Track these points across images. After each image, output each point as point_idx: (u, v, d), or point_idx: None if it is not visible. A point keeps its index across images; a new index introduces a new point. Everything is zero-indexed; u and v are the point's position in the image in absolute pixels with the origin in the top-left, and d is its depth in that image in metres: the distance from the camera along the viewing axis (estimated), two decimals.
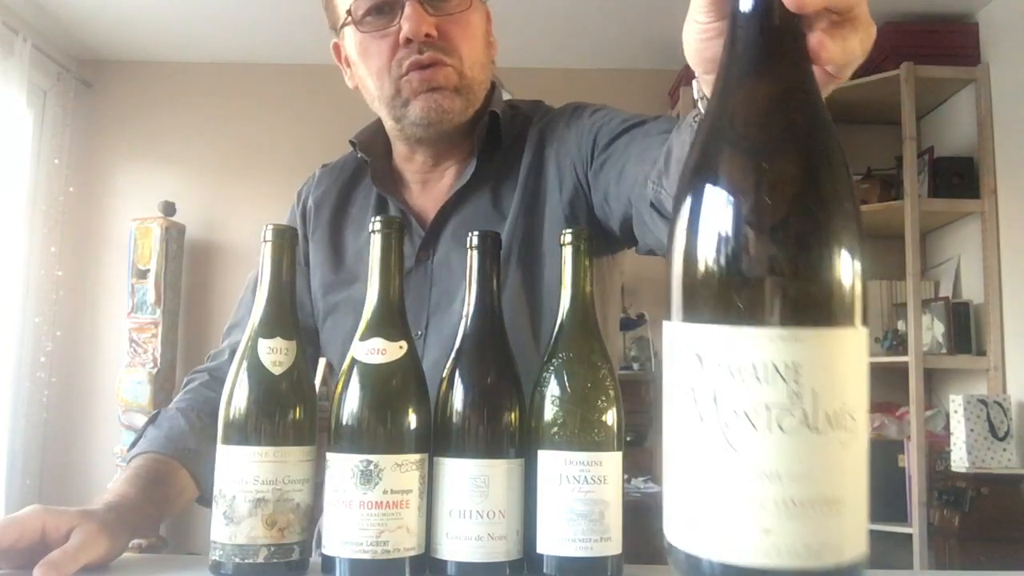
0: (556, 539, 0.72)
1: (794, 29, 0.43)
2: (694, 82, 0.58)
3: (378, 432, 0.72)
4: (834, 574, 0.38)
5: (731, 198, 0.39)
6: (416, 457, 0.72)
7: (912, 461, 2.90)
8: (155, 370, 3.38)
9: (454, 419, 0.74)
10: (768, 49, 0.42)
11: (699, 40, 0.53)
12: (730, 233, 0.39)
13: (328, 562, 0.71)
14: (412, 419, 0.73)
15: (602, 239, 1.00)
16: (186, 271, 3.63)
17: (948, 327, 2.97)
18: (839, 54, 0.44)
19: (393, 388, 0.74)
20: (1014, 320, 2.87)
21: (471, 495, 0.72)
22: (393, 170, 1.12)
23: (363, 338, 0.75)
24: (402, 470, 0.71)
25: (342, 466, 0.71)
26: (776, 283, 0.38)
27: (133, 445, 0.96)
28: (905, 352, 2.99)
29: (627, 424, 0.78)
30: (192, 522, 3.26)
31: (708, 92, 0.53)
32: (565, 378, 0.75)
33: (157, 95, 3.78)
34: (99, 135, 3.74)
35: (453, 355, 0.78)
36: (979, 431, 2.71)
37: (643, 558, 1.09)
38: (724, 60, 0.44)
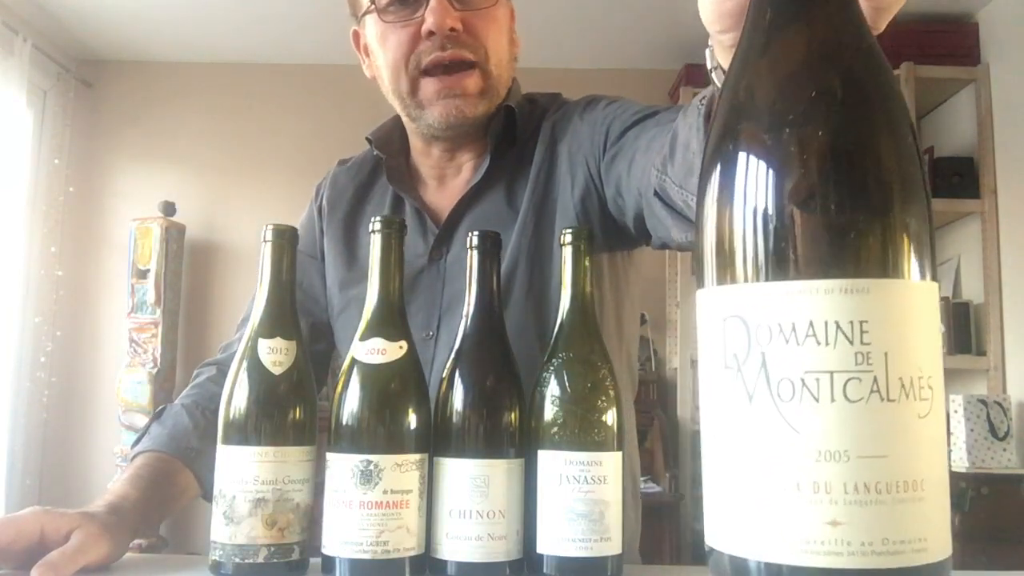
0: (556, 539, 0.72)
1: None
2: (707, 50, 0.55)
3: (378, 432, 0.72)
4: (913, 574, 0.30)
5: (783, 138, 0.33)
6: (416, 457, 0.72)
7: None
8: (155, 370, 3.38)
9: (454, 419, 0.74)
10: None
11: None
12: (786, 174, 0.32)
13: (328, 562, 0.71)
14: (412, 419, 0.73)
15: (617, 236, 0.98)
16: (186, 271, 3.63)
17: (948, 327, 2.98)
18: None
19: (393, 388, 0.74)
20: (1014, 320, 2.87)
21: (471, 495, 0.72)
22: (410, 167, 1.10)
23: (363, 338, 0.75)
24: (402, 470, 0.71)
25: (342, 466, 0.71)
26: (837, 228, 0.32)
27: (137, 442, 0.96)
28: None
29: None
30: (192, 522, 3.26)
31: (724, 59, 0.48)
32: (565, 378, 0.75)
33: (157, 95, 3.78)
34: (99, 135, 3.74)
35: (453, 355, 0.78)
36: (979, 431, 2.71)
37: (644, 557, 1.09)
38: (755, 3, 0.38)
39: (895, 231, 0.32)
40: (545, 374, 0.76)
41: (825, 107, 0.33)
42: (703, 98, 0.64)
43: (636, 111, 0.93)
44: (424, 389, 0.76)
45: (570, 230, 0.79)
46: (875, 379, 0.30)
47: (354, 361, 0.75)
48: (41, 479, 3.50)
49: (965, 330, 3.00)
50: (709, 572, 0.36)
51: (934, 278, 0.33)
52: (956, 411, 2.76)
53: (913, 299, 0.31)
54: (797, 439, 0.31)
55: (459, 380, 0.76)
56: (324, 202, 1.14)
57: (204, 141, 3.74)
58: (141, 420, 3.33)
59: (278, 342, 0.76)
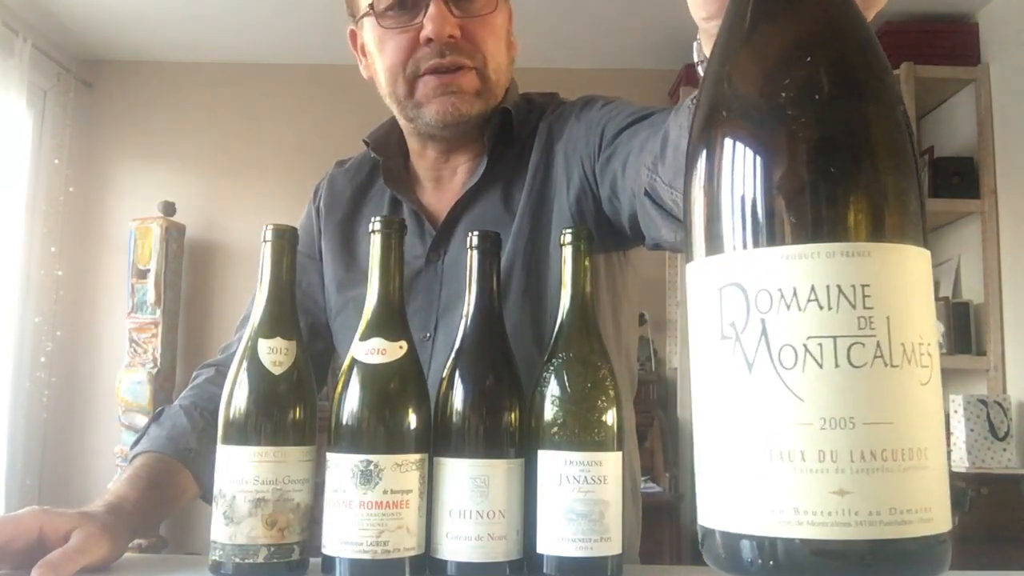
0: (556, 539, 0.72)
1: None
2: (695, 43, 0.54)
3: (378, 432, 0.72)
4: (924, 549, 0.29)
5: (779, 104, 0.32)
6: (416, 457, 0.72)
7: None
8: (155, 370, 3.38)
9: (454, 419, 0.74)
10: None
11: None
12: (782, 139, 0.32)
13: (328, 562, 0.71)
14: (412, 419, 0.73)
15: (613, 236, 0.98)
16: (186, 271, 3.63)
17: (948, 327, 2.97)
18: None
19: (393, 388, 0.74)
20: (1014, 320, 2.87)
21: (471, 495, 0.72)
22: (407, 169, 1.10)
23: (363, 338, 0.75)
24: (402, 470, 0.71)
25: (342, 466, 0.71)
26: (837, 192, 0.31)
27: (136, 443, 0.96)
28: None
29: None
30: (192, 522, 3.26)
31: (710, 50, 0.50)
32: (565, 378, 0.75)
33: (157, 95, 3.78)
34: (99, 135, 3.74)
35: (453, 355, 0.78)
36: (979, 431, 2.71)
37: (644, 557, 1.09)
38: None
39: (893, 197, 0.32)
40: (545, 374, 0.76)
41: (820, 73, 0.33)
42: (694, 98, 0.64)
43: (631, 112, 0.93)
44: (424, 389, 0.76)
45: (570, 230, 0.79)
46: (878, 344, 0.29)
47: (354, 361, 0.75)
48: (41, 479, 3.50)
49: (965, 330, 3.00)
50: (705, 556, 0.35)
51: (926, 246, 0.33)
52: (956, 411, 2.76)
53: (912, 264, 0.31)
54: (801, 407, 0.29)
55: (459, 380, 0.76)
56: (322, 203, 1.14)
57: (204, 141, 3.74)
58: (141, 420, 3.33)
59: (278, 342, 0.76)
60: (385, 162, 1.07)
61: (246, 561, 0.71)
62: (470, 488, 0.72)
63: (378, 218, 0.78)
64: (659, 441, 3.24)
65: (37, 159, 3.52)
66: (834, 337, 0.29)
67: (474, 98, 0.97)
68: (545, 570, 0.72)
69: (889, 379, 0.29)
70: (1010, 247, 2.91)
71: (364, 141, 1.10)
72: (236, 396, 0.74)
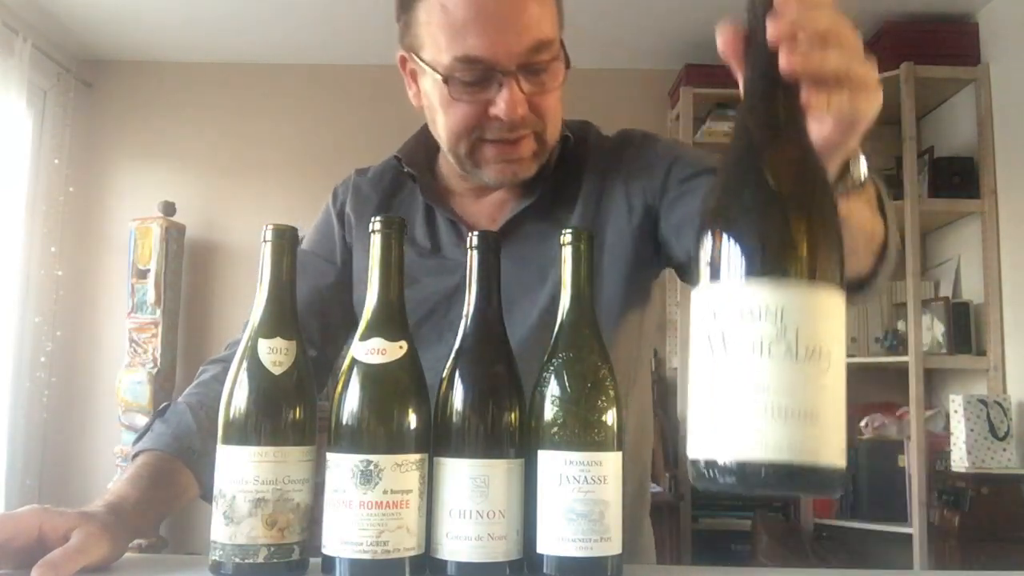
0: (556, 539, 0.72)
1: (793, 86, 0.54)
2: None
3: (378, 432, 0.72)
4: (809, 471, 0.48)
5: (737, 196, 0.53)
6: (416, 457, 0.72)
7: (912, 461, 2.90)
8: (155, 370, 3.38)
9: (454, 419, 0.74)
10: (771, 93, 0.55)
11: None
12: (738, 218, 0.52)
13: (328, 562, 0.71)
14: (412, 419, 0.73)
15: (660, 262, 1.04)
16: (186, 271, 3.63)
17: (948, 327, 2.97)
18: (825, 106, 0.53)
19: (393, 388, 0.74)
20: (1014, 320, 2.87)
21: (471, 495, 0.72)
22: (438, 180, 1.11)
23: (363, 338, 0.75)
24: (402, 470, 0.71)
25: (342, 466, 0.71)
26: (769, 248, 0.50)
27: (139, 438, 0.95)
28: (905, 352, 2.99)
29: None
30: (192, 522, 3.26)
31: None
32: (565, 378, 0.75)
33: (157, 95, 3.78)
34: (99, 135, 3.74)
35: (453, 355, 0.78)
36: (979, 431, 2.71)
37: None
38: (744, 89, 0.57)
39: (809, 250, 0.50)
40: (545, 374, 0.76)
41: (772, 165, 0.52)
42: None
43: (699, 157, 1.00)
44: (424, 389, 0.76)
45: (570, 231, 0.79)
46: (788, 344, 0.48)
47: (354, 361, 0.75)
48: (41, 479, 3.50)
49: (965, 330, 3.00)
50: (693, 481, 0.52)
51: (841, 286, 0.51)
52: (956, 411, 2.76)
53: (817, 297, 0.50)
54: (742, 377, 0.49)
55: (459, 380, 0.76)
56: (349, 209, 1.13)
57: (204, 141, 3.74)
58: (141, 420, 3.33)
59: (278, 342, 0.76)
60: (420, 178, 1.08)
61: (246, 561, 0.71)
62: (470, 488, 0.72)
63: (378, 218, 0.78)
64: (659, 441, 3.23)
65: (37, 159, 3.52)
66: (762, 338, 0.48)
67: (531, 161, 0.99)
68: (545, 570, 0.72)
69: (794, 367, 0.48)
70: (1010, 247, 2.91)
71: (395, 157, 1.11)
72: (236, 396, 0.74)
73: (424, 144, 1.11)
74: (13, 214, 3.30)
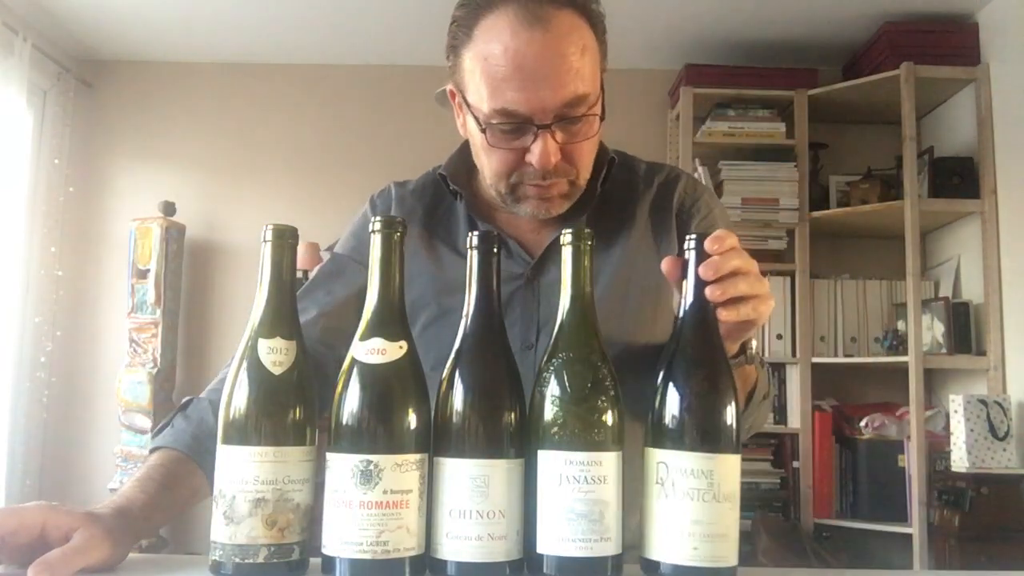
0: (556, 539, 0.72)
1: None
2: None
3: (378, 432, 0.72)
4: (726, 572, 0.73)
5: (678, 381, 0.77)
6: (416, 457, 0.72)
7: (912, 461, 2.90)
8: (155, 370, 3.38)
9: (454, 419, 0.74)
10: (699, 309, 0.80)
11: None
12: (678, 398, 0.76)
13: (328, 562, 0.71)
14: (412, 419, 0.73)
15: None
16: (186, 271, 3.63)
17: (948, 327, 2.97)
18: (735, 316, 0.79)
19: (393, 388, 0.74)
20: (1014, 320, 2.87)
21: (471, 495, 0.72)
22: (479, 197, 1.14)
23: (363, 338, 0.75)
24: (402, 470, 0.71)
25: (342, 466, 0.71)
26: (700, 428, 0.75)
27: (159, 431, 0.95)
28: (905, 352, 2.99)
29: None
30: (192, 522, 3.26)
31: None
32: (565, 378, 0.75)
33: (157, 95, 3.77)
34: (99, 135, 3.74)
35: (453, 355, 0.78)
36: (979, 431, 2.71)
37: None
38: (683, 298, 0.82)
39: (726, 432, 0.76)
40: (545, 374, 0.76)
41: (699, 365, 0.78)
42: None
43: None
44: (424, 389, 0.76)
45: (570, 230, 0.79)
46: (714, 492, 0.73)
47: (354, 361, 0.75)
48: (41, 479, 3.50)
49: (965, 330, 3.00)
50: None
51: (738, 451, 0.76)
52: (956, 411, 2.76)
53: (731, 462, 0.74)
54: (683, 512, 0.73)
55: (459, 380, 0.76)
56: None
57: (204, 141, 3.74)
58: (141, 420, 3.33)
59: (278, 342, 0.76)
60: (465, 196, 1.12)
61: (246, 561, 0.71)
62: (470, 488, 0.72)
63: (378, 218, 0.78)
64: None
65: (37, 159, 3.52)
66: (698, 488, 0.73)
67: (563, 201, 1.04)
68: (545, 570, 0.72)
69: (717, 506, 0.73)
70: (1010, 247, 2.91)
71: (440, 175, 1.14)
72: (236, 396, 0.74)
73: (465, 162, 1.14)
74: (13, 214, 3.30)
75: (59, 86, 3.58)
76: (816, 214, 3.25)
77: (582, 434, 0.73)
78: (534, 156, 0.97)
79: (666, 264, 0.83)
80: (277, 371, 0.75)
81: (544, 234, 1.09)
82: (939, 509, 2.70)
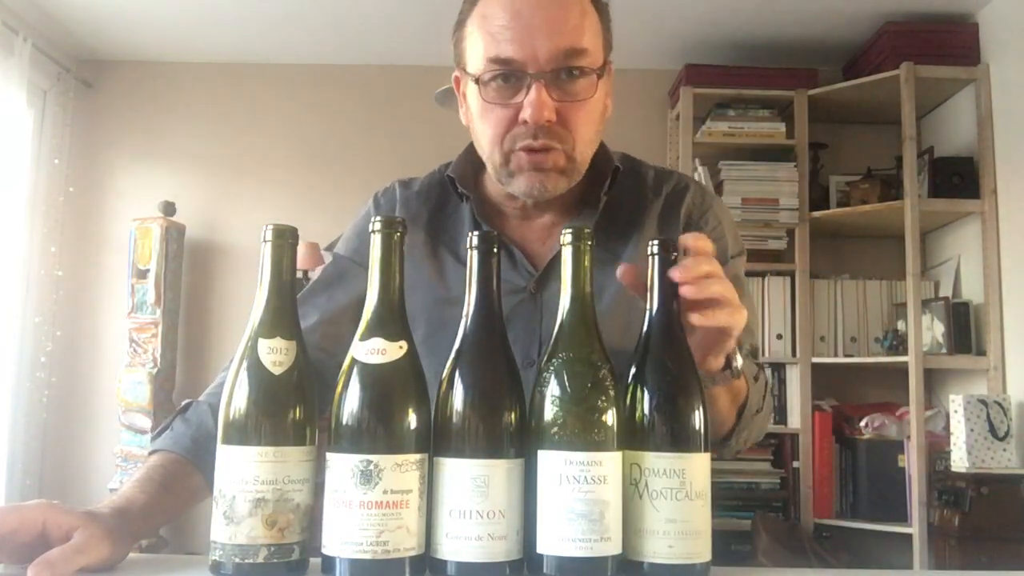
0: (556, 539, 0.72)
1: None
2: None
3: (378, 432, 0.72)
4: (700, 568, 0.74)
5: (647, 384, 0.78)
6: (416, 457, 0.72)
7: (912, 461, 2.90)
8: (155, 370, 3.38)
9: (454, 419, 0.74)
10: (665, 312, 0.80)
11: None
12: (654, 402, 0.77)
13: (328, 562, 0.71)
14: (412, 419, 0.73)
15: None
16: (186, 271, 3.63)
17: (948, 327, 2.97)
18: (710, 320, 0.78)
19: (393, 388, 0.74)
20: (1014, 320, 2.87)
21: (471, 495, 0.72)
22: (486, 201, 1.13)
23: (363, 338, 0.75)
24: (402, 470, 0.71)
25: (342, 466, 0.71)
26: (669, 429, 0.76)
27: (158, 435, 0.95)
28: (905, 352, 2.99)
29: None
30: (192, 522, 3.26)
31: None
32: (565, 378, 0.75)
33: (157, 95, 3.77)
34: (99, 135, 3.74)
35: (453, 355, 0.78)
36: (979, 431, 2.71)
37: None
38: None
39: (695, 430, 0.77)
40: (545, 374, 0.76)
41: (669, 367, 0.79)
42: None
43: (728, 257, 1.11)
44: (424, 389, 0.76)
45: (570, 230, 0.79)
46: (686, 490, 0.74)
47: (354, 361, 0.75)
48: (41, 479, 3.50)
49: (965, 330, 3.00)
50: None
51: (707, 450, 0.77)
52: (956, 411, 2.76)
53: (702, 461, 0.76)
54: (657, 513, 0.74)
55: (459, 380, 0.76)
56: None
57: (204, 141, 3.74)
58: (141, 420, 3.33)
59: (278, 342, 0.76)
60: (473, 199, 1.10)
61: (246, 561, 0.71)
62: (470, 488, 0.72)
63: (378, 218, 0.78)
64: None
65: (37, 159, 3.52)
66: (671, 487, 0.74)
67: (559, 176, 1.01)
68: (545, 570, 0.72)
69: (690, 504, 0.74)
70: (1010, 247, 2.91)
71: (448, 176, 1.12)
72: (236, 396, 0.74)
73: (472, 164, 1.13)
74: (13, 214, 3.30)
75: (59, 86, 3.58)
76: (816, 214, 3.25)
77: (582, 434, 0.73)
78: (527, 110, 0.96)
79: (623, 272, 0.82)
80: (277, 371, 0.75)
81: (550, 244, 1.08)
82: (939, 509, 2.70)
